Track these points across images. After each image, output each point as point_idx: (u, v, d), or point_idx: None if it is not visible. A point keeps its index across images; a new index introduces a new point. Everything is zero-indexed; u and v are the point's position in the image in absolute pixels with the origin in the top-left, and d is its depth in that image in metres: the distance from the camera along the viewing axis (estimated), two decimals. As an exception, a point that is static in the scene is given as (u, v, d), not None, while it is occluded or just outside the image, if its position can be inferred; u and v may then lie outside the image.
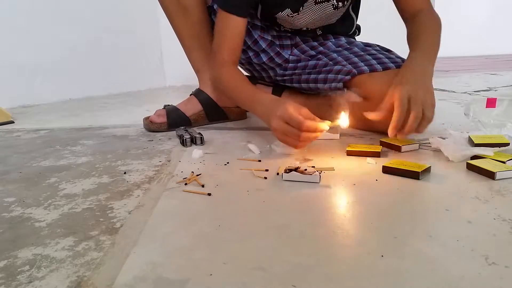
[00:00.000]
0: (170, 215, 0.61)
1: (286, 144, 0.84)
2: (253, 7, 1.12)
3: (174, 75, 2.29)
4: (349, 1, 1.10)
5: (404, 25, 1.06)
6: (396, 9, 1.08)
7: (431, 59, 0.93)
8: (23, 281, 0.45)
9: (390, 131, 0.82)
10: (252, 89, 0.98)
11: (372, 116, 0.85)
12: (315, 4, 1.07)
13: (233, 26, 1.01)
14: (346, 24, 1.21)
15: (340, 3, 1.09)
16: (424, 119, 0.80)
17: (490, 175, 0.69)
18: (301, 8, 1.07)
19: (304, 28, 1.17)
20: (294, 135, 0.81)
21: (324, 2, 1.07)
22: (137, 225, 0.58)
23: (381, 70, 1.00)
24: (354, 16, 1.20)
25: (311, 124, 0.80)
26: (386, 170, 0.73)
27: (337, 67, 1.08)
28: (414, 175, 0.70)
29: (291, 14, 1.09)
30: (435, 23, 1.00)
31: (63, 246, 0.53)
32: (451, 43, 3.80)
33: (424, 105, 0.80)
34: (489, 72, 2.46)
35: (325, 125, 0.81)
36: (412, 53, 0.95)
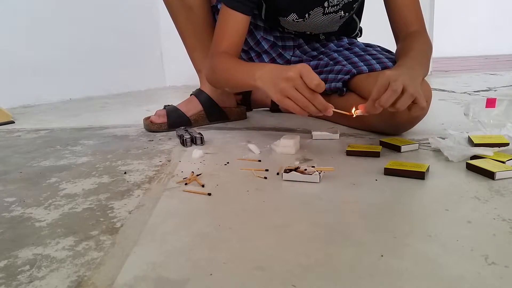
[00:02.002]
0: (170, 215, 0.61)
1: (287, 108, 0.80)
2: (257, 7, 1.11)
3: (174, 75, 2.29)
4: (354, 10, 1.11)
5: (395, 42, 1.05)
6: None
7: (422, 67, 0.89)
8: (23, 281, 0.45)
9: (364, 108, 0.80)
10: (252, 63, 0.92)
11: (358, 111, 0.81)
12: (322, 15, 1.07)
13: (234, 22, 0.99)
14: (349, 28, 1.21)
15: (347, 13, 1.09)
16: (406, 95, 0.75)
17: (490, 175, 0.69)
18: (307, 16, 1.07)
19: (308, 32, 1.17)
20: (298, 98, 0.77)
21: (332, 13, 1.07)
22: (137, 225, 0.58)
23: (380, 69, 1.01)
24: (357, 19, 1.21)
25: (321, 99, 0.77)
26: (389, 172, 0.73)
27: (337, 67, 1.09)
28: (419, 175, 0.70)
29: (296, 19, 1.08)
30: (427, 45, 0.98)
31: (63, 246, 0.53)
32: (451, 43, 3.82)
33: (405, 84, 0.75)
34: (489, 72, 2.46)
35: (331, 110, 0.78)
36: (400, 60, 0.91)
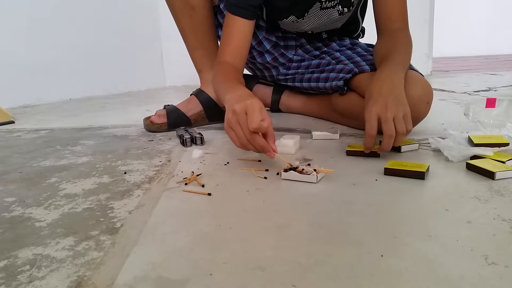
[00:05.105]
0: (170, 215, 0.61)
1: (230, 138, 0.78)
2: (260, 10, 1.12)
3: (174, 75, 2.29)
4: (354, 6, 1.11)
5: (377, 36, 1.06)
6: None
7: (402, 67, 0.90)
8: (23, 281, 0.45)
9: (365, 150, 0.81)
10: (235, 82, 0.90)
11: (365, 148, 0.81)
12: (320, 10, 1.07)
13: (238, 28, 0.99)
14: (352, 27, 1.21)
15: (346, 9, 1.09)
16: (398, 134, 0.77)
17: (490, 175, 0.69)
18: (306, 14, 1.07)
19: (310, 32, 1.17)
20: (239, 133, 0.75)
21: (329, 8, 1.07)
22: (137, 225, 0.58)
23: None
24: (360, 18, 1.21)
25: (260, 141, 0.74)
26: (389, 172, 0.73)
27: (339, 66, 1.09)
28: (419, 175, 0.70)
29: (296, 20, 1.09)
30: (408, 43, 0.99)
31: (63, 246, 0.53)
32: (451, 43, 3.82)
33: (396, 120, 0.76)
34: (489, 72, 2.46)
35: (273, 154, 0.75)
36: (382, 65, 0.91)
